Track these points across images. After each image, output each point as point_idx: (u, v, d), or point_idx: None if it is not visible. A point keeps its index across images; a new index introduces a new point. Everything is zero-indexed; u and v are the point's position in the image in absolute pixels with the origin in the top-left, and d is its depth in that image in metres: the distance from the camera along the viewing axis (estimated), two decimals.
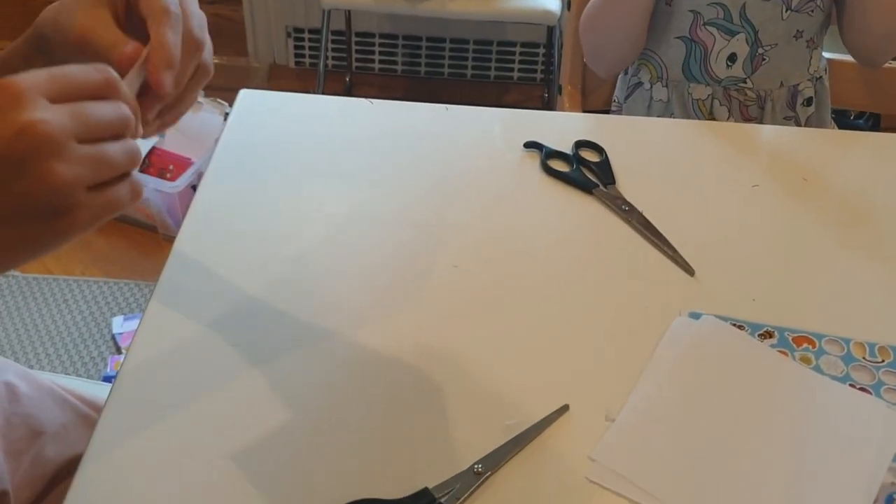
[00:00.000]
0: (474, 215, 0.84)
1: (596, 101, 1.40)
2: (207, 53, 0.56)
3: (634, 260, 0.80)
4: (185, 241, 0.78)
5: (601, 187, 0.87)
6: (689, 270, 0.78)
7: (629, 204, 0.85)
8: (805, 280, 0.79)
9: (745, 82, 1.19)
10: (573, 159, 0.91)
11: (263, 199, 0.84)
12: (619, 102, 1.31)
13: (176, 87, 0.52)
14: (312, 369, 0.68)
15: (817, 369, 0.70)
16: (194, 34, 0.54)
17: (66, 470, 0.79)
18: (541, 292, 0.76)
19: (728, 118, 1.22)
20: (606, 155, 0.91)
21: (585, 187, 0.87)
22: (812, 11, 1.15)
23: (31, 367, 1.58)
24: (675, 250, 0.80)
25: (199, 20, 0.55)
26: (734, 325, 0.73)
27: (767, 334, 0.73)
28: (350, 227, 0.82)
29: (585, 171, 0.89)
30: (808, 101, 1.23)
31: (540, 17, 1.89)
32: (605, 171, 0.89)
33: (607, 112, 1.33)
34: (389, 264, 0.78)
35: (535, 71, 2.43)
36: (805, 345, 0.72)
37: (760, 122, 1.22)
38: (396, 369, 0.68)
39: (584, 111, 1.37)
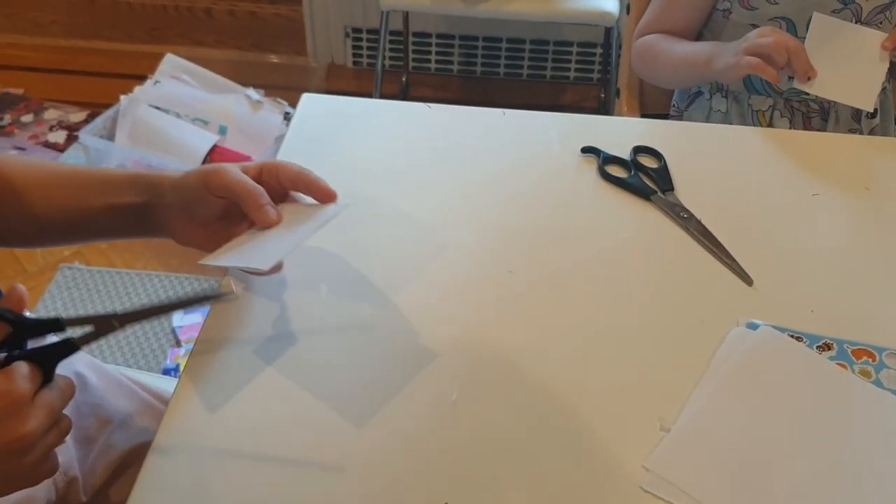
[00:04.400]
0: (530, 220, 0.85)
1: (654, 105, 1.39)
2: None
3: (692, 268, 0.80)
4: None
5: (659, 194, 0.87)
6: (748, 280, 0.78)
7: (687, 211, 0.85)
8: (866, 291, 0.78)
9: (808, 94, 1.17)
10: (631, 165, 0.91)
11: None
12: (678, 108, 1.30)
13: None
14: (366, 366, 0.69)
15: (877, 383, 0.69)
16: None
17: (132, 458, 0.83)
18: (595, 299, 0.76)
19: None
20: (665, 161, 0.91)
21: (643, 194, 0.87)
22: (881, 23, 1.13)
23: (96, 358, 1.63)
24: (733, 259, 0.80)
25: None
26: (792, 336, 0.73)
27: (826, 346, 0.72)
28: (406, 231, 0.83)
29: (643, 178, 0.89)
30: (873, 113, 1.21)
31: (598, 18, 1.88)
32: (663, 177, 0.89)
33: (666, 117, 1.32)
34: (445, 268, 0.79)
35: (591, 71, 2.42)
36: (865, 358, 0.71)
37: None
38: (448, 372, 0.69)
39: (642, 116, 1.37)
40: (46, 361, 0.53)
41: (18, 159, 0.76)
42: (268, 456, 0.63)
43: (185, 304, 0.58)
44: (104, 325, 0.55)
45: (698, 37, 1.23)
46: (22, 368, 0.52)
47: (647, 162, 0.92)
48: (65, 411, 0.80)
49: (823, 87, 1.03)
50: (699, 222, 0.84)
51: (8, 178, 0.72)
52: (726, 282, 0.78)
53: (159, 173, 0.71)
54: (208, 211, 0.68)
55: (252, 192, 0.66)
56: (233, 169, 0.67)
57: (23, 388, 0.51)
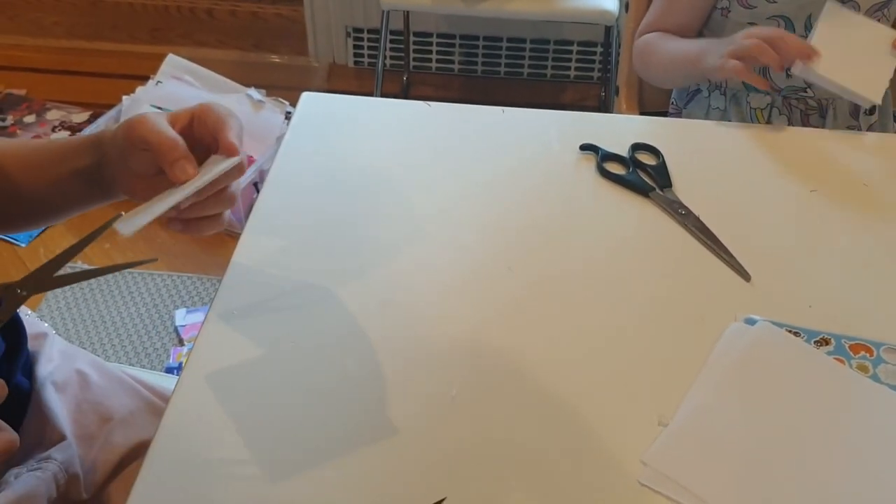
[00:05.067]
0: (529, 218, 0.85)
1: (653, 103, 1.39)
2: (236, 187, 0.66)
3: (690, 264, 0.80)
4: (249, 238, 0.81)
5: (658, 190, 0.88)
6: (745, 275, 0.78)
7: (686, 208, 0.85)
8: (863, 287, 0.78)
9: (806, 91, 1.17)
10: (629, 162, 0.91)
11: (324, 200, 0.86)
12: (676, 105, 1.30)
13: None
14: (367, 364, 0.70)
15: (875, 378, 0.69)
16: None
17: (133, 455, 0.83)
18: (594, 295, 0.77)
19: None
20: (663, 158, 0.91)
21: (642, 190, 0.88)
22: (880, 20, 1.13)
23: (98, 357, 1.64)
24: (731, 255, 0.80)
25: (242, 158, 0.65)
26: (790, 331, 0.73)
27: (824, 341, 0.72)
28: (408, 229, 0.83)
29: (642, 174, 0.90)
30: (871, 110, 1.21)
31: (598, 16, 1.88)
32: (661, 174, 0.89)
33: (665, 114, 1.32)
34: (445, 265, 0.79)
35: (592, 70, 2.42)
36: (862, 353, 0.71)
37: None
38: (448, 369, 0.69)
39: (642, 114, 1.37)
40: None
41: (4, 142, 0.74)
42: (268, 453, 0.63)
43: (79, 247, 0.54)
44: (11, 295, 0.51)
45: (699, 36, 1.23)
46: None
47: (646, 159, 0.92)
48: (66, 407, 0.81)
49: (832, 69, 1.00)
50: (697, 219, 0.84)
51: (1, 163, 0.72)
52: (724, 277, 0.78)
53: (105, 130, 0.68)
54: (140, 163, 0.64)
55: (166, 144, 0.61)
56: (153, 119, 0.62)
57: None
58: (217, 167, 0.62)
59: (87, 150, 0.68)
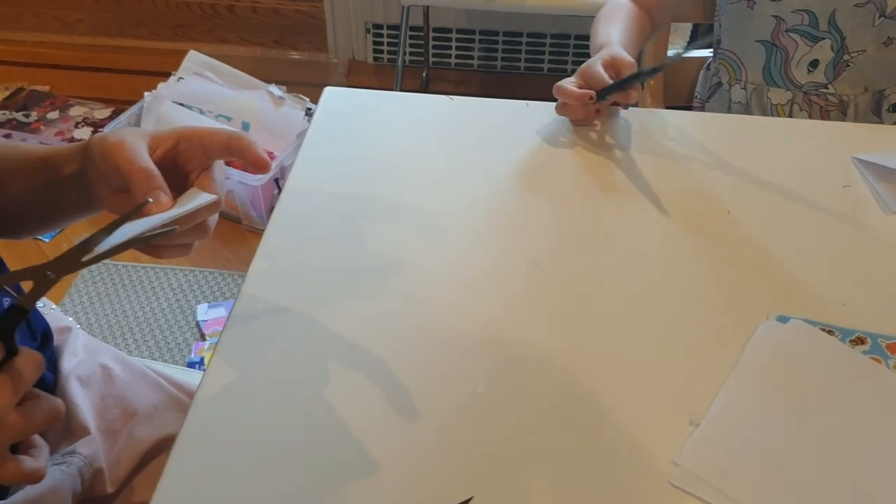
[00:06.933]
0: (554, 212, 0.84)
1: (676, 97, 1.38)
2: (212, 220, 0.64)
3: (721, 261, 0.79)
4: (273, 234, 0.81)
5: None
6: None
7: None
8: None
9: (827, 87, 1.15)
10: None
11: (347, 195, 0.86)
12: (700, 99, 1.28)
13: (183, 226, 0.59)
14: (391, 360, 0.69)
15: None
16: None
17: (157, 449, 0.83)
18: (622, 292, 0.75)
19: None
20: None
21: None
22: None
23: (121, 351, 1.64)
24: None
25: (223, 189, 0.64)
26: (824, 329, 0.71)
27: (859, 340, 0.71)
28: (432, 223, 0.82)
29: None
30: (894, 107, 1.19)
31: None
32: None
33: (689, 108, 1.31)
34: (470, 260, 0.78)
35: None
36: None
37: None
38: (474, 365, 0.69)
39: (667, 107, 1.35)
40: (1, 332, 0.50)
41: (5, 146, 0.72)
42: (293, 449, 0.63)
43: (108, 231, 0.53)
44: (41, 278, 0.51)
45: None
46: None
47: None
48: (90, 402, 0.81)
49: None
50: (727, 214, 0.82)
51: (2, 167, 0.71)
52: (757, 274, 0.77)
53: (92, 138, 0.64)
54: (116, 181, 0.61)
55: (139, 174, 0.58)
56: (130, 146, 0.60)
57: None
58: (193, 201, 0.59)
59: (74, 156, 0.66)
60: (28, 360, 0.52)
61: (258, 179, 1.85)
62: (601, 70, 0.90)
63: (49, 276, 0.51)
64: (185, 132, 0.63)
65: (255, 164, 0.61)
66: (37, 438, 0.59)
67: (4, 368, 0.50)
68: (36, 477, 0.55)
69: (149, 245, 0.60)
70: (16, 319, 0.50)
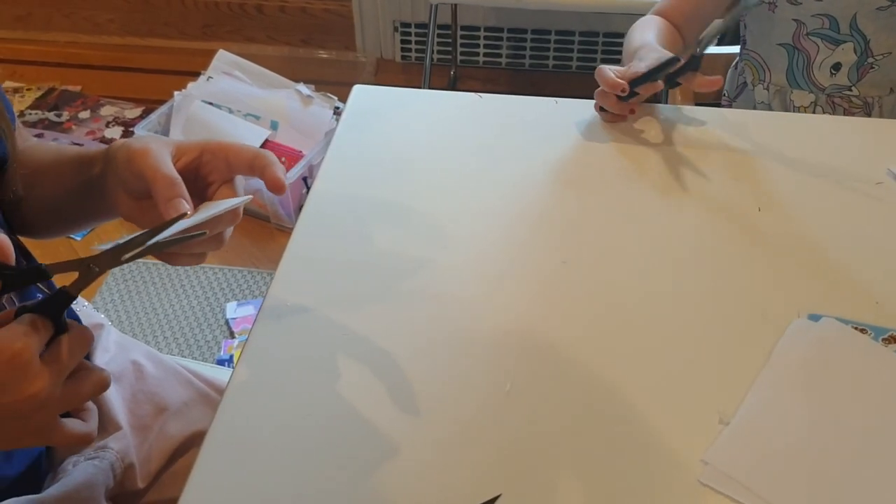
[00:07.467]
0: (585, 210, 0.84)
1: (705, 94, 1.36)
2: (228, 232, 0.65)
3: (752, 258, 0.78)
4: (301, 232, 0.81)
5: None
6: None
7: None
8: None
9: (850, 90, 1.13)
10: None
11: (375, 193, 0.86)
12: (728, 98, 1.27)
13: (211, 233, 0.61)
14: (421, 357, 0.69)
15: None
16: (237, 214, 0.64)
17: (187, 445, 0.84)
18: (652, 289, 0.75)
19: None
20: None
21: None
22: None
23: (152, 348, 1.66)
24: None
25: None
26: (856, 328, 0.70)
27: (892, 339, 0.69)
28: (461, 221, 0.82)
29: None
30: None
31: (647, 8, 1.83)
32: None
33: (718, 105, 1.29)
34: (499, 257, 0.78)
35: None
36: None
37: None
38: (503, 363, 0.68)
39: (696, 104, 1.34)
40: (49, 313, 0.52)
41: (42, 146, 0.74)
42: (322, 446, 0.63)
43: (152, 234, 0.55)
44: (85, 270, 0.53)
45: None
46: (20, 325, 0.50)
47: None
48: (122, 397, 0.82)
49: None
50: (757, 211, 0.82)
51: (38, 167, 0.73)
52: (788, 272, 0.76)
53: (115, 143, 0.66)
54: (136, 188, 0.62)
55: (163, 181, 0.59)
56: (154, 154, 0.61)
57: (23, 344, 0.49)
58: (214, 208, 0.60)
59: (98, 160, 0.67)
60: (77, 337, 0.54)
61: (286, 179, 1.85)
62: (638, 63, 0.91)
63: (93, 268, 0.53)
64: (210, 145, 0.64)
65: (274, 184, 0.62)
66: (87, 402, 0.60)
67: (53, 345, 0.52)
68: (87, 440, 0.58)
69: (163, 252, 0.61)
70: (63, 303, 0.53)
